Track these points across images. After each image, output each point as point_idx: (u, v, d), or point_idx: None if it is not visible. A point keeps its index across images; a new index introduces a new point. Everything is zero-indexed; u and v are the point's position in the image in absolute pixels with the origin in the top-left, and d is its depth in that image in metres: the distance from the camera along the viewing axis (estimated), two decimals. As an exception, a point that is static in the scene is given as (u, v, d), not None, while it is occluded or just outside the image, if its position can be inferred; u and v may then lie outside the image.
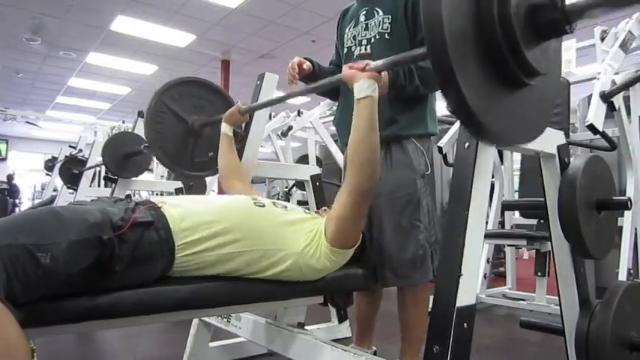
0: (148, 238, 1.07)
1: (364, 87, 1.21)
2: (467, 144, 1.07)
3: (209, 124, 1.94)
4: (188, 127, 1.94)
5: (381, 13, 1.64)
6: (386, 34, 1.62)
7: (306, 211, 1.40)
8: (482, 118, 0.81)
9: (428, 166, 1.63)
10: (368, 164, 1.23)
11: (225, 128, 1.73)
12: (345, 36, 1.75)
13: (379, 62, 1.23)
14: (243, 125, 1.95)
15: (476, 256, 1.04)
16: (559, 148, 1.34)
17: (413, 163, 1.60)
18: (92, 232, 0.98)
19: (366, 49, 1.66)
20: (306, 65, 1.69)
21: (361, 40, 1.68)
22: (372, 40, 1.65)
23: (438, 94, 1.73)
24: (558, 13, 0.81)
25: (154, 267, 1.09)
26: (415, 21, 1.58)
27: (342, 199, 1.26)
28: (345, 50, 1.75)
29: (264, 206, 1.28)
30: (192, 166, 1.99)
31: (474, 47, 0.80)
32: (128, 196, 1.26)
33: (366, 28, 1.67)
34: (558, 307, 1.36)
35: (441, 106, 2.28)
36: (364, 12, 1.69)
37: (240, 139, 1.83)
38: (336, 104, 1.86)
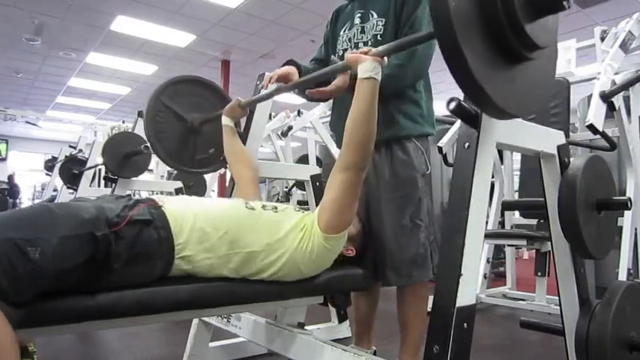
0: (148, 237, 1.07)
1: (369, 68, 1.23)
2: (467, 144, 1.07)
3: (208, 120, 1.95)
4: (188, 125, 1.95)
5: (375, 16, 1.65)
6: (379, 36, 1.63)
7: (297, 208, 1.41)
8: (489, 90, 0.86)
9: (428, 165, 1.64)
10: (366, 144, 1.26)
11: (226, 120, 1.78)
12: (340, 38, 1.76)
13: (381, 47, 1.25)
14: (242, 122, 1.96)
15: (476, 256, 1.05)
16: (559, 148, 1.35)
17: (414, 162, 1.61)
18: (85, 228, 0.98)
19: None
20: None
21: (357, 42, 1.70)
22: (369, 43, 1.66)
23: (435, 95, 1.75)
24: None
25: (153, 266, 1.08)
26: (399, 22, 1.60)
27: (338, 178, 1.27)
28: (341, 52, 1.75)
29: (254, 209, 1.29)
30: (194, 164, 2.00)
31: (478, 25, 0.86)
32: (128, 196, 1.26)
33: (362, 31, 1.69)
34: (558, 307, 1.36)
35: (440, 106, 2.27)
36: (359, 14, 1.70)
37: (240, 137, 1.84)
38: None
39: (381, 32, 1.63)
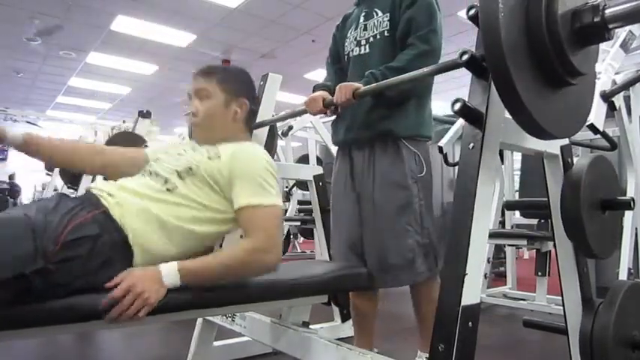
0: (101, 247, 1.05)
1: None
2: (471, 145, 1.07)
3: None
4: None
5: (380, 13, 1.66)
6: (386, 32, 1.63)
7: None
8: (534, 112, 0.94)
9: (423, 167, 1.62)
10: None
11: None
12: (347, 40, 1.77)
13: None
14: None
15: (480, 256, 1.05)
16: (562, 148, 1.35)
17: (404, 165, 1.60)
18: (13, 269, 0.88)
19: (365, 49, 1.68)
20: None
21: (360, 40, 1.70)
22: (371, 39, 1.66)
23: (437, 95, 1.74)
24: (599, 22, 0.96)
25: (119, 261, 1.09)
26: (400, 19, 1.59)
27: None
28: (347, 54, 1.76)
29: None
30: None
31: (526, 53, 0.95)
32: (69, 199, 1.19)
33: (365, 29, 1.69)
34: (558, 307, 1.37)
35: (442, 106, 2.26)
36: (364, 14, 1.71)
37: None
38: None
39: (388, 27, 1.62)
